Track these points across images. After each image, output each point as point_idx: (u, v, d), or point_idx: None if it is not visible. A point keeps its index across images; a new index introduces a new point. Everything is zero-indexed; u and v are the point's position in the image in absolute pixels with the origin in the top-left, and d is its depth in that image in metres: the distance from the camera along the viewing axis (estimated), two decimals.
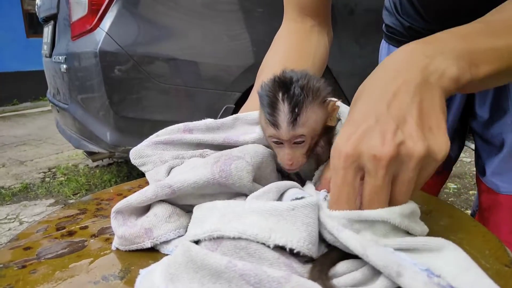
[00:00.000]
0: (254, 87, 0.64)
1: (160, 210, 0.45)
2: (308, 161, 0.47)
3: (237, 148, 0.48)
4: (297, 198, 0.38)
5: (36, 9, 2.95)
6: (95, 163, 3.35)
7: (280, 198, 0.42)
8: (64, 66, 2.18)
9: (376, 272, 0.34)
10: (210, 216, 0.38)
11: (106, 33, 1.93)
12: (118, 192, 0.62)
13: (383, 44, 0.92)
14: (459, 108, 0.79)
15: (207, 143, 0.54)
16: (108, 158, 3.22)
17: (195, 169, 0.45)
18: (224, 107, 2.10)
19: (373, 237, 0.36)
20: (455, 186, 2.72)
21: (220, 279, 0.31)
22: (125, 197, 0.53)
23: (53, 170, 3.36)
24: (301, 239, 0.34)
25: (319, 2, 0.72)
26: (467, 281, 0.31)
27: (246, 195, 0.44)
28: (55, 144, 4.19)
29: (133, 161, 0.56)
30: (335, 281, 0.33)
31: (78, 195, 2.71)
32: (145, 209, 0.46)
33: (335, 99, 0.46)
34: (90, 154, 2.67)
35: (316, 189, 0.45)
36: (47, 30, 2.67)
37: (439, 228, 0.45)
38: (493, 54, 0.42)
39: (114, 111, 1.98)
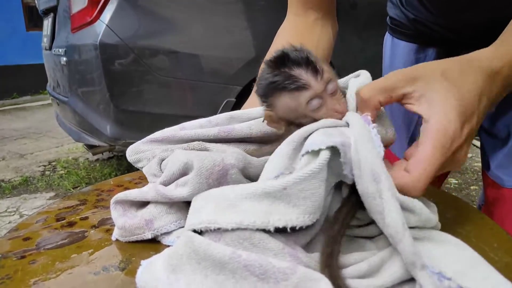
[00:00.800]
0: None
1: (160, 202, 0.44)
2: None
3: (229, 154, 0.46)
4: (307, 152, 0.36)
5: (35, 1, 2.93)
6: (95, 157, 3.34)
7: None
8: (64, 58, 2.17)
9: (381, 264, 0.34)
10: (205, 205, 0.37)
11: (107, 25, 1.91)
12: (118, 183, 0.61)
13: (387, 37, 0.91)
14: None
15: (200, 138, 0.53)
16: (108, 152, 3.21)
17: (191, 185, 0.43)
18: (225, 101, 2.09)
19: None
20: (456, 181, 2.72)
21: (224, 270, 0.31)
22: (125, 188, 0.52)
23: (53, 163, 3.35)
24: (300, 215, 0.33)
25: None
26: (477, 278, 0.31)
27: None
28: (55, 137, 4.18)
29: (129, 159, 0.55)
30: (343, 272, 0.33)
31: (78, 188, 2.70)
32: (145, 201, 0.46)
33: None
34: (90, 147, 2.66)
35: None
36: (47, 23, 2.66)
37: (446, 221, 0.44)
38: None
39: (114, 104, 1.97)
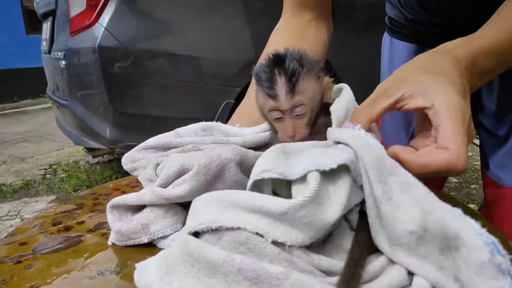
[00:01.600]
0: (251, 84, 0.63)
1: (156, 206, 0.44)
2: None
3: (225, 147, 0.46)
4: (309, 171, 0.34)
5: (34, 5, 2.93)
6: (96, 160, 3.35)
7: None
8: (63, 62, 2.17)
9: (381, 271, 0.34)
10: (206, 206, 0.37)
11: (105, 28, 1.91)
12: (116, 187, 0.61)
13: (386, 37, 0.92)
14: None
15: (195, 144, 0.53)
16: (109, 154, 3.21)
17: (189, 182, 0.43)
18: (224, 103, 2.09)
19: None
20: (457, 180, 2.71)
21: (216, 273, 0.31)
22: (123, 192, 0.52)
23: (54, 166, 3.36)
24: (300, 236, 0.33)
25: None
26: None
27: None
28: (56, 140, 4.18)
29: (125, 167, 0.55)
30: None
31: (79, 191, 2.71)
32: (141, 205, 0.46)
33: (330, 78, 0.47)
34: (90, 150, 2.67)
35: None
36: (46, 26, 2.66)
37: None
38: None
39: (114, 107, 1.97)
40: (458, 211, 0.32)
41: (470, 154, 3.08)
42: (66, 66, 2.16)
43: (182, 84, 2.05)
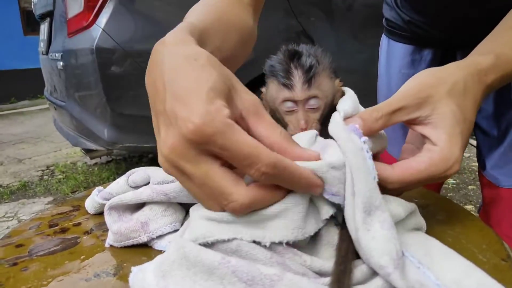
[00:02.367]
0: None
1: (155, 204, 0.44)
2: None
3: None
4: None
5: (32, 6, 2.93)
6: (93, 161, 3.34)
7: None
8: (61, 63, 2.17)
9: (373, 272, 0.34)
10: (199, 221, 0.37)
11: (103, 29, 1.91)
12: None
13: (383, 39, 0.92)
14: None
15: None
16: (106, 156, 3.21)
17: None
18: None
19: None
20: (454, 181, 2.72)
21: (212, 275, 0.31)
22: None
23: (52, 168, 3.35)
24: (294, 232, 0.33)
25: None
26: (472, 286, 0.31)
27: None
28: (53, 142, 4.17)
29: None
30: None
31: (77, 192, 2.70)
32: (139, 205, 0.46)
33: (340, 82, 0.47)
34: (88, 151, 2.66)
35: None
36: (44, 27, 2.66)
37: (437, 222, 0.44)
38: None
39: (111, 108, 1.97)
40: (415, 263, 0.33)
41: (467, 155, 3.09)
42: (64, 67, 2.15)
43: None
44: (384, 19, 0.89)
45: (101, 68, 1.91)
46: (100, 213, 0.51)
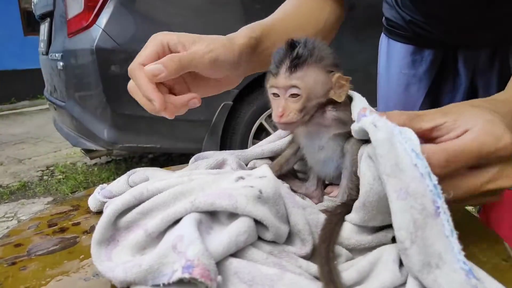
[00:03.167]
0: None
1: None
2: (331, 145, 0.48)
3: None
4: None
5: (32, 6, 2.93)
6: (93, 161, 3.34)
7: None
8: (61, 63, 2.17)
9: (371, 268, 0.34)
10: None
11: (103, 30, 1.91)
12: None
13: (383, 38, 0.91)
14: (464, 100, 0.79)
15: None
16: (106, 156, 3.21)
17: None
18: (222, 104, 2.09)
19: None
20: None
21: None
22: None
23: (51, 168, 3.35)
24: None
25: None
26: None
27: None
28: (53, 142, 4.17)
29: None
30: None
31: (76, 193, 2.70)
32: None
33: (345, 76, 0.47)
34: (87, 151, 2.66)
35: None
36: (44, 28, 2.66)
37: None
38: None
39: (111, 108, 1.97)
40: (447, 230, 0.32)
41: None
42: (64, 68, 2.15)
43: None
44: (384, 18, 0.88)
45: (101, 68, 1.91)
46: (100, 212, 0.51)
